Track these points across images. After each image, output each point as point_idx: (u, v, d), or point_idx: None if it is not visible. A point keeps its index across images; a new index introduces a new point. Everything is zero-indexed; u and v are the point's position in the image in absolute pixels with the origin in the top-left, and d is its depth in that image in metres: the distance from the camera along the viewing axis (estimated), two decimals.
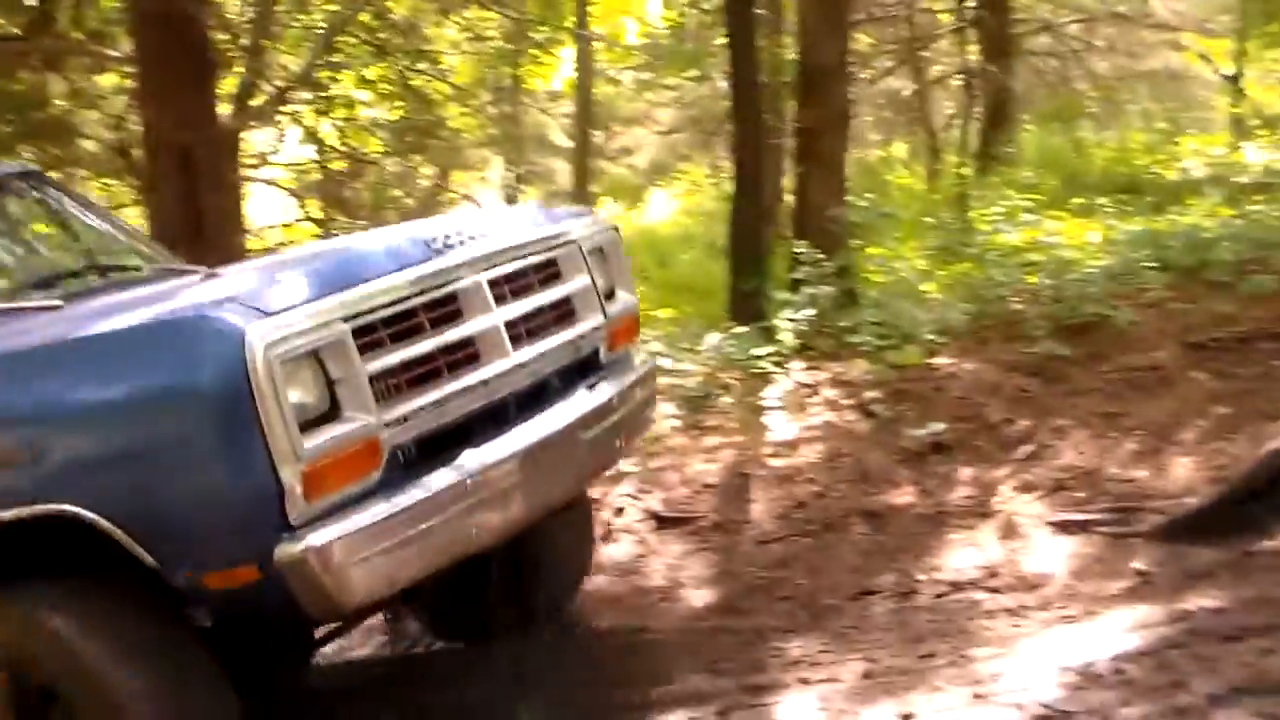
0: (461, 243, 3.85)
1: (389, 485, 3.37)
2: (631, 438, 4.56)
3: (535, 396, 3.96)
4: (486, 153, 19.04)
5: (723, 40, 10.12)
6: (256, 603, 3.27)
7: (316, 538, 3.14)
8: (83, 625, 3.33)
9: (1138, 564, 4.60)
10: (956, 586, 4.78)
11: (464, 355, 3.67)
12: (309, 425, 3.19)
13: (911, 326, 7.00)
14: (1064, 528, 5.05)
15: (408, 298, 3.56)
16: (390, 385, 3.43)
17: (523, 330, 3.91)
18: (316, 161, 14.11)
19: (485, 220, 4.29)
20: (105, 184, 12.46)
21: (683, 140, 20.14)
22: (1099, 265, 7.47)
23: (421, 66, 12.82)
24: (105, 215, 5.51)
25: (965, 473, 5.69)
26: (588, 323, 4.21)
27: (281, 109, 12.20)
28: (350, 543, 3.20)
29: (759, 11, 9.81)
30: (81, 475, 3.24)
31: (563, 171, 21.76)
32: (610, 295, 4.37)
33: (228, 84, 11.13)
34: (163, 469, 3.17)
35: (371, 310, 3.44)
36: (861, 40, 13.34)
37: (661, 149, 21.96)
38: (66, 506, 3.20)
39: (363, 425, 3.30)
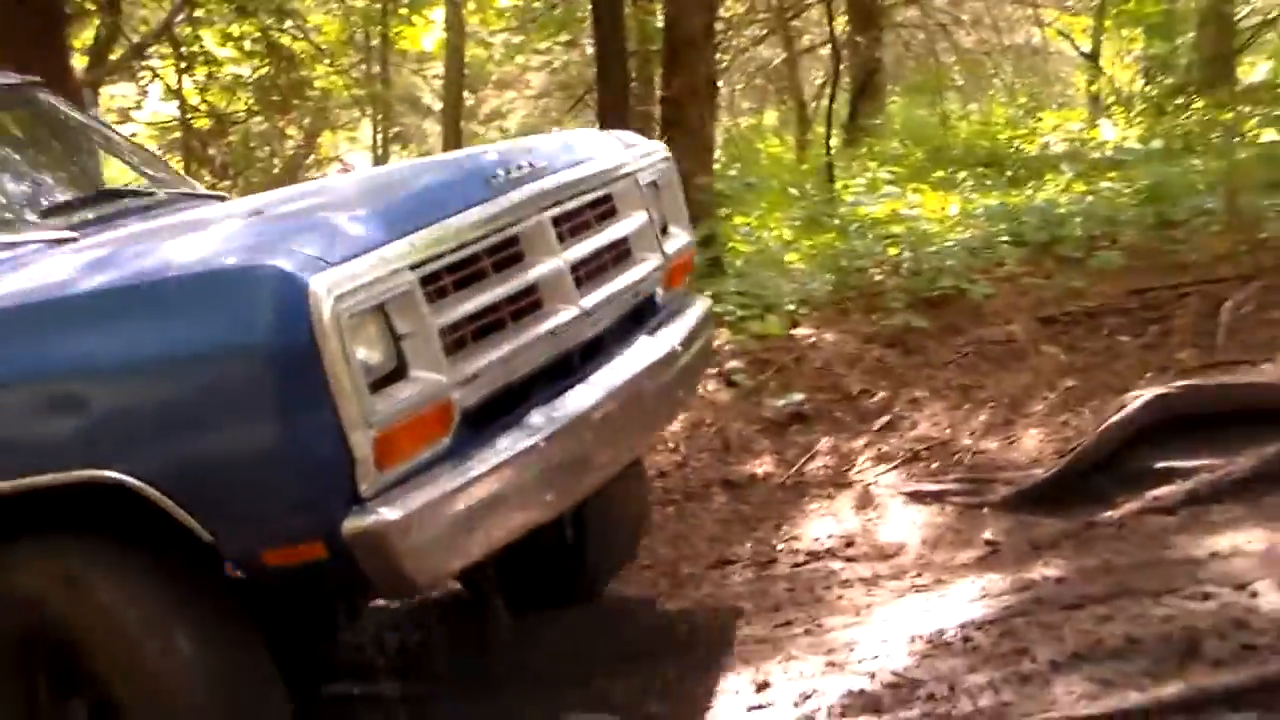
0: (522, 176, 3.55)
1: (458, 450, 3.12)
2: (694, 387, 4.33)
3: (595, 346, 3.66)
4: (355, 113, 18.77)
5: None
6: (319, 580, 3.06)
7: (389, 511, 2.89)
8: (120, 584, 3.10)
9: (987, 534, 4.73)
10: (814, 556, 4.86)
11: (528, 304, 3.40)
12: (376, 386, 2.92)
13: (775, 297, 7.10)
14: (918, 498, 5.16)
15: (474, 240, 3.29)
16: (457, 340, 3.16)
17: (584, 274, 3.62)
18: (179, 119, 13.78)
19: (539, 150, 3.88)
20: None
21: (554, 105, 20.07)
22: (957, 239, 7.65)
23: (286, 25, 12.56)
24: (109, 131, 5.12)
25: (824, 443, 5.79)
26: (647, 264, 3.93)
27: (141, 64, 11.89)
28: (425, 515, 2.95)
29: None
30: (128, 440, 2.96)
31: (434, 134, 21.56)
32: (664, 231, 4.09)
33: (84, 38, 10.82)
34: (217, 436, 2.92)
35: (439, 256, 3.16)
36: (734, 8, 13.41)
37: (533, 113, 21.88)
38: (111, 473, 2.94)
39: (434, 385, 3.04)
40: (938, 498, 5.15)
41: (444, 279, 3.15)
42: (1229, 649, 3.50)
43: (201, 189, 4.55)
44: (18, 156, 4.52)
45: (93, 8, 10.48)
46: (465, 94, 20.38)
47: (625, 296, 3.79)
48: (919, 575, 4.53)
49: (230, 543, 2.96)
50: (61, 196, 4.26)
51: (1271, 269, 6.55)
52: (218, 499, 2.93)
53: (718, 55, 11.18)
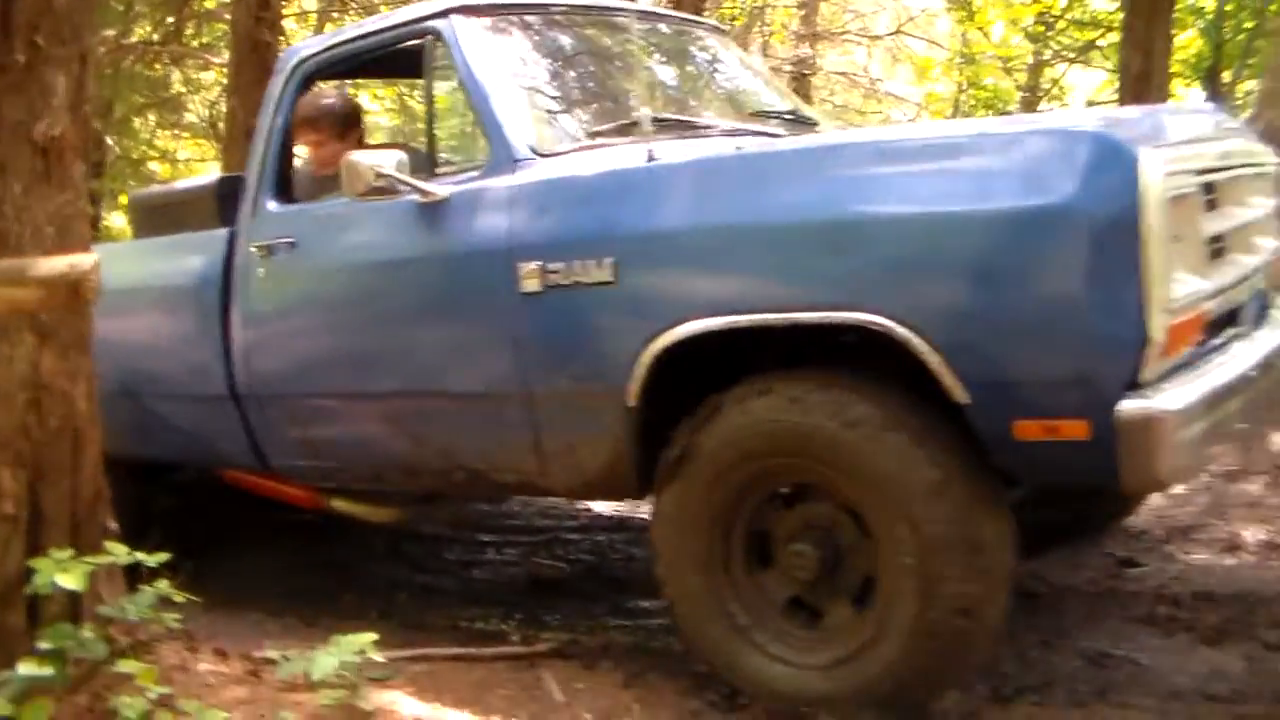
0: (1231, 131, 3.41)
1: (1188, 364, 2.85)
2: None
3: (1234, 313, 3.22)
4: None
5: None
6: (1059, 461, 2.74)
7: (1170, 400, 2.61)
8: (876, 414, 2.88)
9: None
10: None
11: (1219, 247, 3.08)
12: None
13: None
14: None
15: (1222, 168, 3.08)
16: (1210, 253, 2.95)
17: (1249, 235, 3.30)
18: None
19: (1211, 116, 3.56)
20: (198, 142, 16.23)
21: None
22: None
23: None
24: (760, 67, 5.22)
25: None
26: (1266, 251, 3.42)
27: None
28: (1194, 413, 2.66)
29: None
30: (905, 287, 2.75)
31: None
32: None
33: None
34: (1006, 295, 2.65)
35: (1209, 170, 2.97)
36: None
37: None
38: (877, 318, 2.75)
39: (1197, 291, 2.78)
40: None
41: (1205, 194, 2.95)
42: None
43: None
44: (725, 73, 4.74)
45: None
46: None
47: (1259, 273, 3.38)
48: None
49: (983, 407, 2.74)
50: (761, 106, 4.46)
51: None
52: (986, 360, 2.71)
53: None
